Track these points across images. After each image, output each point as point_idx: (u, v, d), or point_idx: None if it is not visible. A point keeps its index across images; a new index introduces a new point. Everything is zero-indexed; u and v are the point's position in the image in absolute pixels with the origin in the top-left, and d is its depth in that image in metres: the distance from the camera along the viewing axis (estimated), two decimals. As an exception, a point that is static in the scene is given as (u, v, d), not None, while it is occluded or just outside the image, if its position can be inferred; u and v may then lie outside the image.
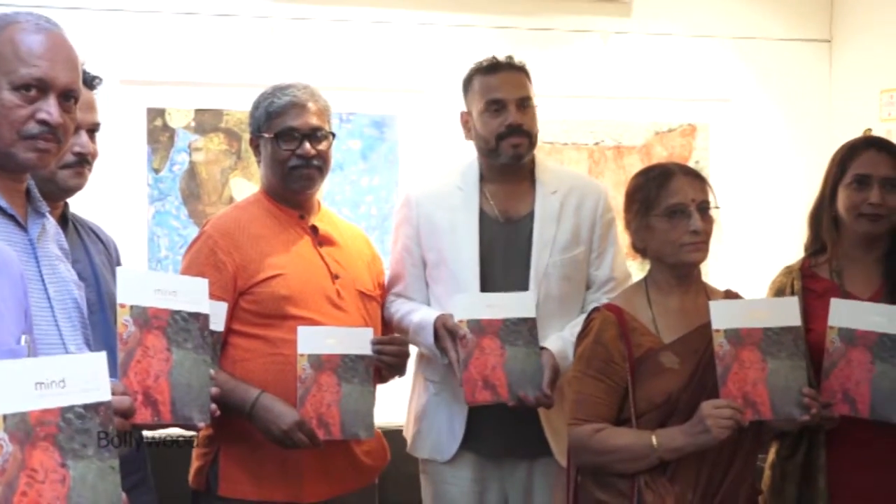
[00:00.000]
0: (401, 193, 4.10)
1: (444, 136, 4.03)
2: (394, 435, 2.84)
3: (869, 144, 2.57)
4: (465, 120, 2.85)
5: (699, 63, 4.38)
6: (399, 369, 2.67)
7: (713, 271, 4.05)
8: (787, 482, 2.53)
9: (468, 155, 2.92)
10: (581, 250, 2.81)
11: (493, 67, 2.79)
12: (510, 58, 2.82)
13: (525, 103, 2.77)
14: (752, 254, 4.23)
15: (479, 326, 2.58)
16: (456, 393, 2.68)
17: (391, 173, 4.14)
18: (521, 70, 2.81)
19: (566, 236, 2.79)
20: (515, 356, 2.59)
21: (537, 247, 2.76)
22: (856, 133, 3.08)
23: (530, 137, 2.77)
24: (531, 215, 2.79)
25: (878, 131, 3.85)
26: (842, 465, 2.47)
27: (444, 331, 2.62)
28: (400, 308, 2.81)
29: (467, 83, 2.84)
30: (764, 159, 4.43)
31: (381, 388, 2.69)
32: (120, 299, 2.04)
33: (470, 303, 2.62)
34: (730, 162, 4.40)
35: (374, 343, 2.57)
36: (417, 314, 2.75)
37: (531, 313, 2.61)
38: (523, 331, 2.59)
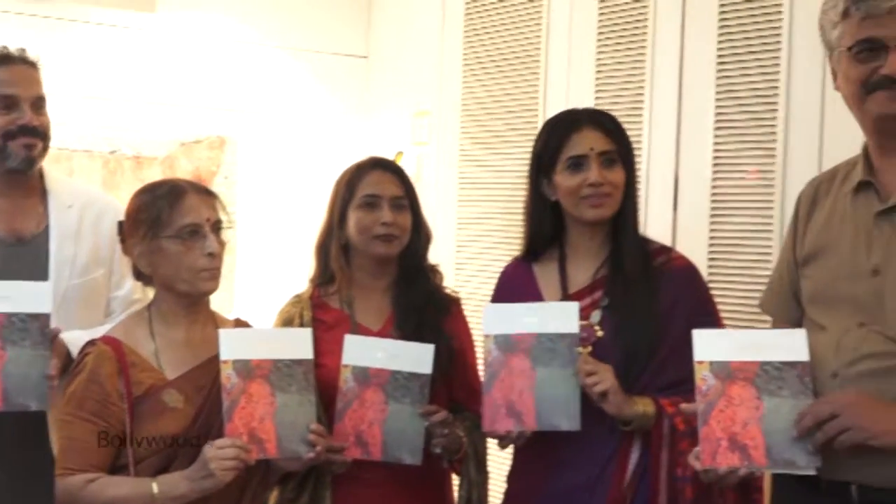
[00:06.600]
0: None
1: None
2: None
3: (374, 165, 2.58)
4: None
5: (233, 71, 4.26)
6: None
7: (238, 293, 3.99)
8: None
9: None
10: (101, 273, 2.67)
11: (2, 59, 2.59)
12: (22, 50, 2.63)
13: (39, 104, 2.62)
14: (281, 277, 4.15)
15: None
16: None
17: None
18: (33, 65, 2.64)
19: (85, 257, 2.64)
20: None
21: (55, 268, 2.58)
22: (392, 154, 3.11)
23: (45, 140, 2.61)
24: (46, 233, 2.61)
25: (411, 154, 3.92)
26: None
27: None
28: None
29: None
30: (298, 177, 4.40)
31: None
32: None
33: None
34: (261, 178, 4.34)
35: None
36: None
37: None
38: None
